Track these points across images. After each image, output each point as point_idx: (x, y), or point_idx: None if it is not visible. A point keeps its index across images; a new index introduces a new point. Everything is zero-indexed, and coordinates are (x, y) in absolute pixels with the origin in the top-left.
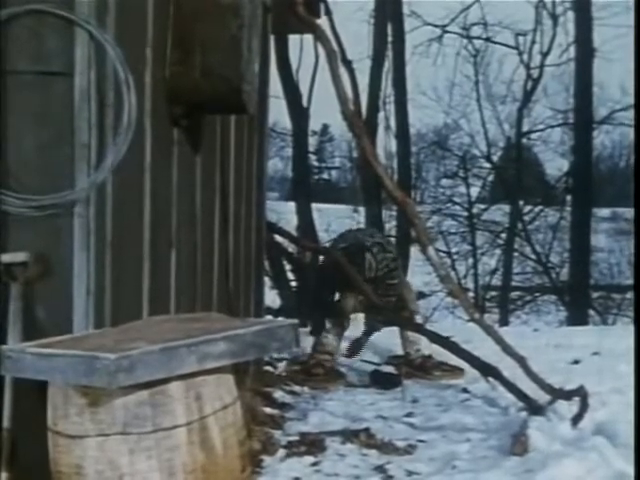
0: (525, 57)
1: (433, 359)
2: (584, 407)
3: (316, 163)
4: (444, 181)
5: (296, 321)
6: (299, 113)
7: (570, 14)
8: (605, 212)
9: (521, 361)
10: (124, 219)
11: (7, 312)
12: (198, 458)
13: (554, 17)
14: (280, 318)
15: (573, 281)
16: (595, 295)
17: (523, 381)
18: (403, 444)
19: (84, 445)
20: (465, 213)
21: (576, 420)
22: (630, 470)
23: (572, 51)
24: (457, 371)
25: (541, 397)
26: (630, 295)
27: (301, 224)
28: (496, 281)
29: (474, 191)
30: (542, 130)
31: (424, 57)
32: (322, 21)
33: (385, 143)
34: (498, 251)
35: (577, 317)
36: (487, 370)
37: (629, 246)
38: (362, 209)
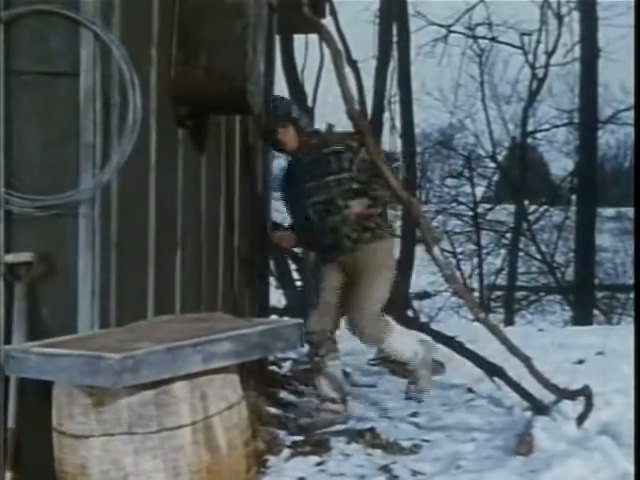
0: (530, 57)
1: None
2: (589, 407)
3: None
4: (449, 181)
5: (301, 321)
6: (304, 113)
7: (575, 14)
8: (610, 212)
9: (526, 361)
10: (129, 219)
11: (11, 312)
12: (203, 458)
13: (559, 17)
14: (285, 318)
15: (578, 281)
16: (600, 295)
17: (528, 381)
18: (408, 444)
19: (89, 445)
20: (470, 213)
21: (581, 420)
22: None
23: (577, 51)
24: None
25: (546, 397)
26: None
27: None
28: (501, 281)
29: (479, 191)
30: (547, 130)
31: (429, 57)
32: (327, 21)
33: (390, 143)
34: (503, 251)
35: (582, 317)
36: (492, 370)
37: (633, 246)
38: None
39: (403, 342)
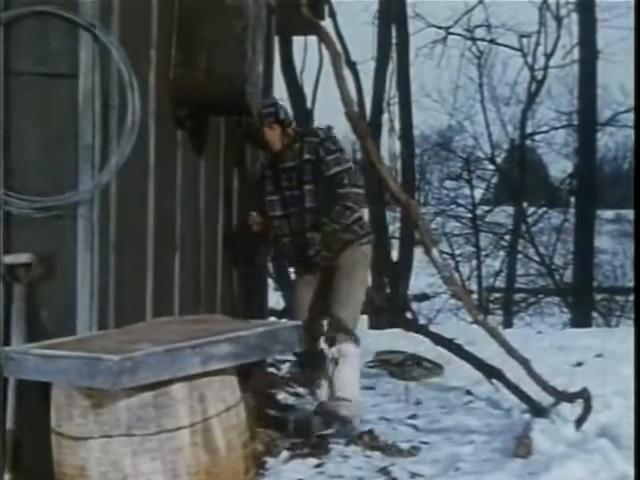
0: (529, 59)
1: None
2: (587, 409)
3: None
4: (448, 183)
5: (299, 323)
6: (303, 115)
7: (574, 16)
8: (609, 214)
9: (525, 363)
10: (128, 221)
11: (10, 313)
12: (202, 460)
13: (558, 19)
14: (283, 320)
15: (577, 283)
16: (599, 297)
17: (527, 383)
18: (407, 446)
19: (88, 447)
20: (469, 215)
21: (579, 422)
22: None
23: (576, 53)
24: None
25: (544, 399)
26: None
27: None
28: (500, 283)
29: (478, 193)
30: (546, 132)
31: (428, 59)
32: (326, 23)
33: (389, 145)
34: (502, 253)
35: (581, 319)
36: (491, 372)
37: (632, 248)
38: (366, 210)
39: (355, 376)
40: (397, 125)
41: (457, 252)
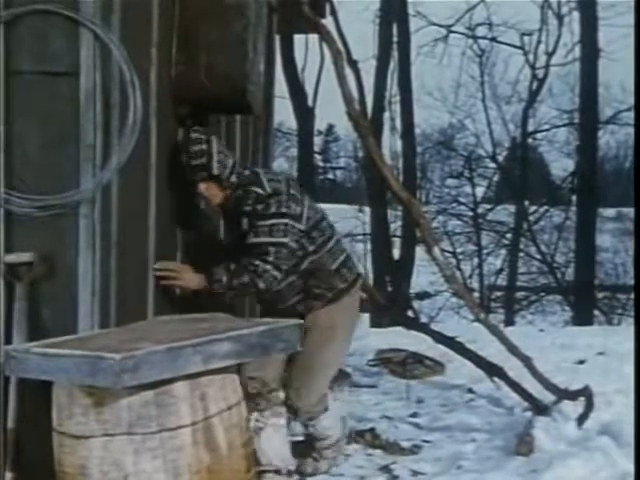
0: (530, 57)
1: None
2: (589, 407)
3: (321, 163)
4: (449, 181)
5: (301, 321)
6: (304, 113)
7: (575, 14)
8: (610, 212)
9: (526, 361)
10: (129, 219)
11: (12, 312)
12: (203, 458)
13: (559, 17)
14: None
15: (578, 281)
16: (600, 295)
17: (528, 381)
18: (408, 444)
19: (89, 445)
20: (470, 213)
21: (581, 420)
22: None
23: (577, 51)
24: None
25: (546, 397)
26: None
27: None
28: (501, 281)
29: (479, 191)
30: (547, 130)
31: (429, 57)
32: (327, 21)
33: (390, 143)
34: (503, 251)
35: (582, 317)
36: (492, 370)
37: (634, 246)
38: (367, 209)
39: (333, 418)
40: (398, 123)
41: (458, 250)
